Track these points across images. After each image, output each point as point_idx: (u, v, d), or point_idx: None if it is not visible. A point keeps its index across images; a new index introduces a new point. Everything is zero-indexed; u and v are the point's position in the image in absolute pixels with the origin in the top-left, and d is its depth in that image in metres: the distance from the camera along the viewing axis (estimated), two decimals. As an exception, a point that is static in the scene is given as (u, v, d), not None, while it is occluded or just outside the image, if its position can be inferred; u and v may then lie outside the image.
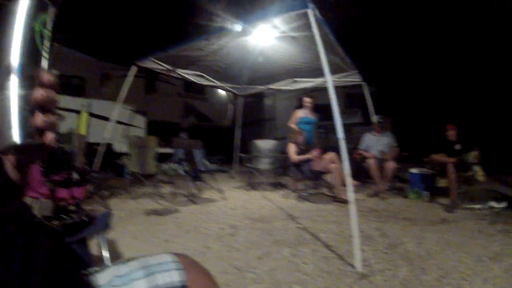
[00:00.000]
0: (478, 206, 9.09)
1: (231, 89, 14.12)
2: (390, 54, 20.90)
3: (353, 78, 11.65)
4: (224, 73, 11.98)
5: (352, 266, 4.81)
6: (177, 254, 1.50)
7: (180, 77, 11.54)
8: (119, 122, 12.36)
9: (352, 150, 11.98)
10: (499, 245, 6.00)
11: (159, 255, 1.48)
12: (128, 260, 1.44)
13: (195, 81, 11.97)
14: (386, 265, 4.96)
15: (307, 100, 11.50)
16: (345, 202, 8.72)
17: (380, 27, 20.45)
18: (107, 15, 18.72)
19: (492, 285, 4.42)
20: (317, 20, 6.13)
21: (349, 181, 5.40)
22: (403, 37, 20.41)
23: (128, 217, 7.20)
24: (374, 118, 11.77)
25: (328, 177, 10.23)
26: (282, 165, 11.94)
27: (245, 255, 5.16)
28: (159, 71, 10.93)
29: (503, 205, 9.09)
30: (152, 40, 16.00)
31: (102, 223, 2.49)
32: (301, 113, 11.44)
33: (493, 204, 9.15)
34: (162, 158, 11.28)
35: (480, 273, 4.76)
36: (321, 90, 12.68)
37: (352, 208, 5.07)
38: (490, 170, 10.03)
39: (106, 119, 11.42)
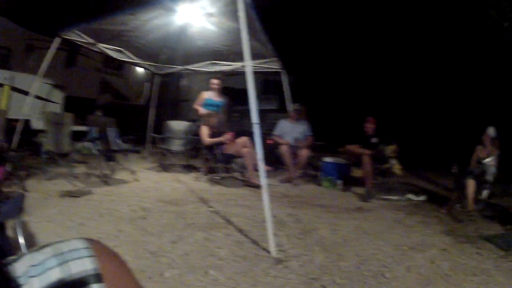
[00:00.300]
0: (395, 197, 9.17)
1: (149, 67, 13.60)
2: (312, 44, 20.98)
3: (272, 65, 11.46)
4: (144, 50, 11.37)
5: (267, 251, 4.69)
6: (88, 240, 1.27)
7: (100, 51, 10.98)
8: (38, 97, 11.63)
9: (266, 136, 11.93)
10: (420, 236, 6.05)
11: (71, 241, 1.24)
12: (42, 247, 1.17)
13: (114, 56, 11.30)
14: (301, 251, 4.86)
15: (214, 82, 10.94)
16: (257, 186, 8.43)
17: (304, 18, 20.46)
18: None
19: (417, 273, 4.39)
20: (245, 4, 5.91)
21: (262, 166, 5.26)
22: (325, 28, 20.50)
23: (43, 199, 6.67)
24: (291, 105, 11.70)
25: (240, 161, 10.03)
26: (195, 148, 11.66)
27: (158, 239, 4.99)
28: (81, 44, 10.22)
29: (421, 198, 9.26)
30: (78, 10, 15.27)
31: (15, 206, 2.25)
32: (206, 95, 10.89)
33: (411, 196, 9.29)
34: (78, 136, 10.76)
35: (402, 261, 4.74)
36: (239, 75, 12.58)
37: (265, 193, 4.95)
38: (407, 164, 10.14)
39: (26, 93, 10.74)
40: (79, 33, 9.27)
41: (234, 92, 13.94)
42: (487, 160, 8.15)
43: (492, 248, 5.72)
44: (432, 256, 5.05)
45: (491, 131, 8.43)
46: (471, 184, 7.58)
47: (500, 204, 8.64)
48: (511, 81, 13.01)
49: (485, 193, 8.06)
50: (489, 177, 8.00)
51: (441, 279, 4.32)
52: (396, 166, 9.46)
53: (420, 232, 6.26)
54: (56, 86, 13.14)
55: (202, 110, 10.43)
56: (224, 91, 11.32)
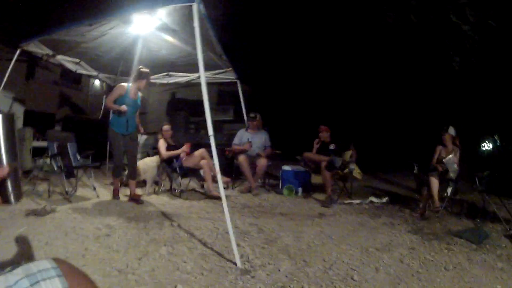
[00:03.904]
0: (357, 201, 9.23)
1: (106, 80, 13.41)
2: (266, 54, 21.04)
3: (227, 75, 11.45)
4: (101, 62, 11.10)
5: (232, 262, 4.62)
6: (56, 260, 1.54)
7: (59, 63, 10.76)
8: (-1, 112, 11.32)
9: (223, 147, 11.83)
10: (386, 237, 6.06)
11: (40, 261, 1.50)
12: (14, 267, 1.45)
13: (72, 68, 11.13)
14: (266, 260, 4.77)
15: (142, 71, 8.68)
16: (217, 198, 8.56)
17: (258, 28, 20.50)
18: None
19: (386, 273, 4.36)
20: (200, 15, 5.92)
21: (220, 177, 5.19)
22: (279, 37, 20.59)
23: (9, 219, 6.54)
24: (247, 115, 11.62)
25: (200, 173, 9.92)
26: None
27: (124, 256, 4.85)
28: (39, 55, 10.03)
29: (384, 200, 9.38)
30: (38, 20, 14.94)
31: None
32: (125, 89, 8.51)
33: (373, 199, 9.38)
34: (38, 152, 10.65)
35: (369, 263, 4.70)
36: (195, 86, 12.49)
37: (225, 204, 4.89)
38: (367, 168, 10.22)
39: None
40: (38, 44, 9.10)
41: (190, 104, 13.84)
42: (449, 158, 8.24)
43: (462, 243, 5.81)
44: (400, 255, 5.05)
45: (451, 130, 8.56)
46: (434, 182, 7.69)
47: (465, 200, 8.91)
48: (469, 82, 13.23)
49: (449, 190, 8.17)
50: (452, 175, 8.13)
51: (412, 277, 4.30)
52: (355, 171, 9.50)
53: (386, 233, 6.28)
54: (16, 99, 12.89)
55: (115, 107, 8.35)
56: (180, 102, 11.11)
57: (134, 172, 8.94)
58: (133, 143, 8.94)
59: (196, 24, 5.42)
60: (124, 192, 9.17)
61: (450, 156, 8.24)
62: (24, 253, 4.93)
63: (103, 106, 16.52)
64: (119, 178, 9.10)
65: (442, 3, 11.33)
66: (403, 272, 4.41)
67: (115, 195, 8.75)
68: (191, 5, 5.68)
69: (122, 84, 8.65)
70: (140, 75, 8.60)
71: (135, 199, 8.52)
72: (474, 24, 11.00)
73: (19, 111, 13.02)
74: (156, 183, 10.26)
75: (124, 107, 8.30)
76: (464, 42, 11.39)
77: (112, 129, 8.48)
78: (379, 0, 12.60)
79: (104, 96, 17.64)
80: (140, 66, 8.79)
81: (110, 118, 8.66)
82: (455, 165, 8.16)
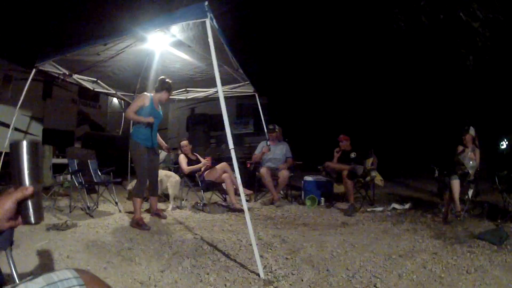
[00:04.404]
0: (379, 208, 9.24)
1: (124, 97, 13.53)
2: (285, 65, 21.06)
3: (245, 88, 11.42)
4: (118, 80, 11.18)
5: (255, 273, 4.60)
6: (77, 270, 1.54)
7: (75, 82, 10.84)
8: (17, 129, 11.50)
9: (245, 159, 11.85)
10: (408, 243, 6.02)
11: (61, 271, 1.51)
12: (34, 277, 1.45)
13: (89, 87, 11.18)
14: (289, 270, 4.75)
15: (164, 82, 8.10)
16: (240, 211, 8.65)
17: (276, 39, 20.53)
18: (15, 9, 17.55)
19: (409, 280, 4.33)
20: (213, 30, 5.98)
21: (242, 190, 5.21)
22: (297, 48, 20.61)
23: (30, 232, 6.58)
24: (266, 127, 11.65)
25: (222, 186, 10.03)
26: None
27: (146, 269, 4.86)
28: (56, 75, 10.10)
29: (407, 206, 9.34)
30: (53, 41, 15.10)
31: (5, 238, 2.20)
32: (148, 100, 7.87)
33: (396, 205, 9.37)
34: (58, 169, 10.72)
35: (392, 270, 4.67)
36: (213, 100, 12.54)
37: (247, 216, 4.89)
38: (388, 174, 10.17)
39: (6, 125, 10.60)
40: (54, 64, 9.18)
41: (209, 119, 13.89)
42: (465, 154, 8.22)
43: (484, 245, 5.77)
44: (423, 261, 5.01)
45: (471, 130, 8.53)
46: (456, 185, 7.63)
47: (486, 201, 8.82)
48: (485, 80, 13.15)
49: (470, 192, 8.14)
50: (473, 176, 8.11)
51: (434, 282, 4.27)
52: (377, 178, 9.49)
53: (409, 240, 6.24)
54: (34, 118, 13.03)
55: (140, 119, 7.73)
56: (199, 117, 11.11)
57: (156, 188, 8.43)
58: (156, 158, 8.45)
59: (210, 39, 5.46)
60: (160, 207, 9.29)
61: (471, 157, 8.23)
62: (45, 266, 4.99)
63: (122, 122, 16.61)
64: (141, 199, 7.82)
65: (451, 1, 11.29)
66: (426, 278, 4.38)
67: (140, 224, 7.35)
68: (204, 21, 5.74)
69: (145, 93, 8.03)
70: (163, 86, 7.96)
71: (158, 213, 8.38)
72: (483, 21, 10.94)
73: (37, 129, 13.21)
74: (179, 197, 10.30)
75: (151, 118, 7.70)
76: (475, 39, 11.31)
77: (136, 142, 7.76)
78: (390, 5, 12.55)
79: (122, 113, 17.82)
80: (162, 77, 8.21)
81: (132, 131, 8.15)
82: (471, 162, 8.14)
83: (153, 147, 8.09)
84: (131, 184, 9.61)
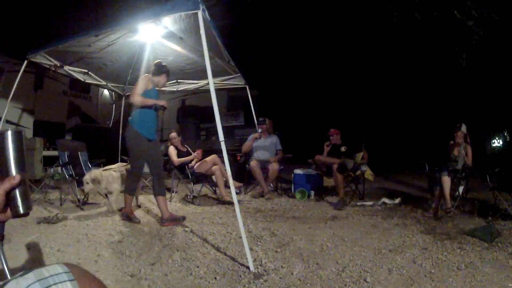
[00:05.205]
0: (369, 203, 9.24)
1: (115, 89, 13.45)
2: (276, 58, 21.03)
3: (236, 81, 11.44)
4: (109, 72, 11.16)
5: (245, 266, 4.62)
6: (67, 264, 1.51)
7: (67, 74, 10.77)
8: (8, 122, 11.48)
9: (235, 152, 11.84)
10: (399, 238, 6.05)
11: (51, 266, 1.47)
12: (25, 272, 1.41)
13: (80, 79, 11.12)
14: (279, 263, 4.77)
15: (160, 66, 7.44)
16: (229, 203, 8.63)
17: (267, 32, 20.50)
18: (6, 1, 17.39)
19: (399, 274, 4.35)
20: (205, 22, 5.96)
21: (232, 182, 5.26)
22: (289, 42, 20.59)
23: (20, 227, 6.62)
24: (257, 120, 11.67)
25: (212, 179, 10.07)
26: (165, 168, 11.57)
27: (137, 262, 4.89)
28: (48, 66, 10.02)
29: (397, 201, 9.35)
30: (44, 33, 15.02)
31: None
32: (152, 83, 7.14)
33: (386, 200, 9.37)
34: (48, 162, 10.70)
35: (382, 264, 4.69)
36: (204, 93, 12.51)
37: (237, 209, 4.90)
38: (378, 169, 10.20)
39: None
40: (46, 55, 9.13)
41: (200, 111, 13.83)
42: (460, 156, 8.26)
43: (475, 241, 5.79)
44: (413, 256, 5.03)
45: (463, 127, 8.57)
46: (446, 181, 7.65)
47: (477, 198, 8.91)
48: (477, 78, 13.20)
49: (461, 189, 8.19)
50: (463, 173, 8.19)
51: (424, 277, 4.28)
52: (367, 172, 9.52)
53: (399, 234, 6.26)
54: (25, 110, 12.97)
55: (150, 101, 6.87)
56: (190, 109, 11.04)
57: (162, 186, 7.17)
58: (159, 150, 7.54)
59: (202, 31, 5.42)
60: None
61: (462, 154, 8.29)
62: (36, 260, 4.99)
63: (112, 114, 16.53)
64: (132, 197, 7.40)
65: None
66: (416, 273, 4.39)
67: (130, 217, 7.11)
68: (196, 13, 5.71)
69: (147, 75, 7.14)
70: (161, 69, 7.25)
71: (174, 218, 7.08)
72: (478, 19, 10.96)
73: (28, 121, 13.13)
74: (169, 189, 10.27)
75: (164, 101, 6.95)
76: (469, 38, 11.34)
77: (137, 132, 6.87)
78: (383, 1, 12.54)
79: (113, 105, 17.75)
80: (159, 60, 7.54)
81: (131, 118, 7.07)
82: (466, 163, 8.23)
83: (155, 139, 7.25)
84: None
